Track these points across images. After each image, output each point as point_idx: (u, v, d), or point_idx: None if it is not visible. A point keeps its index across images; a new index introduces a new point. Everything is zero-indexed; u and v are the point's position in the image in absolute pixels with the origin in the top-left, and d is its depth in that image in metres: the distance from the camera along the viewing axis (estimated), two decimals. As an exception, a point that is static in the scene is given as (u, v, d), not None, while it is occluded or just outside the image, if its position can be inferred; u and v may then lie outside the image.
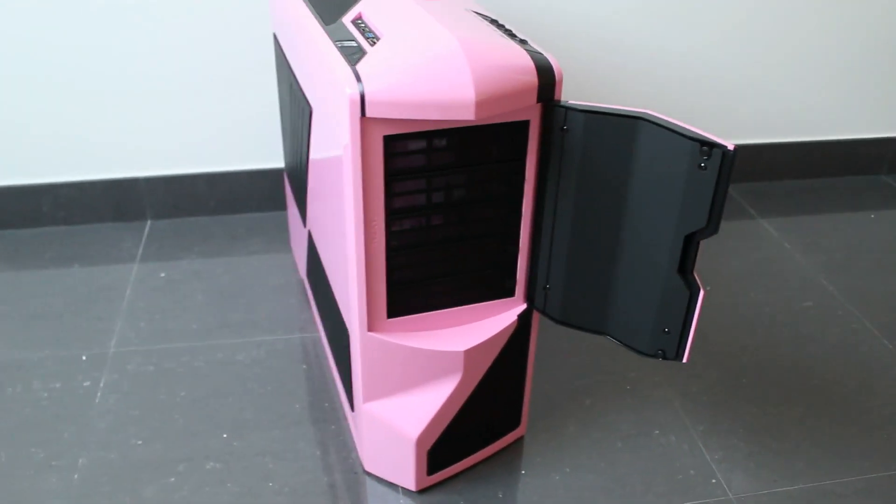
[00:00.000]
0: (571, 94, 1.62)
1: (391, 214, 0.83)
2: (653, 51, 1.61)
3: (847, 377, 1.23)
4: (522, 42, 0.84)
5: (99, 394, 1.17)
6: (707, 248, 1.54)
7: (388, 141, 0.79)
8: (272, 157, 1.59)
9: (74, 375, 1.20)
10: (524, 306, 0.96)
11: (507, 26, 0.89)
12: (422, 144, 0.80)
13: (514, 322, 0.95)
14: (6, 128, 1.48)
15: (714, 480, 1.04)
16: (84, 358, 1.24)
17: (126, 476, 1.03)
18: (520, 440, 1.10)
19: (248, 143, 1.57)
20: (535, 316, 0.98)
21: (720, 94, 1.69)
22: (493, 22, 0.90)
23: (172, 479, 1.03)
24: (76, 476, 1.03)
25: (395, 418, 0.95)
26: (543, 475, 1.04)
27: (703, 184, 0.76)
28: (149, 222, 1.60)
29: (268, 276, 1.44)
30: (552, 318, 0.94)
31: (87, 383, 1.19)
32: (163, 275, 1.44)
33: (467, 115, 0.76)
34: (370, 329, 0.90)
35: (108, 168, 1.55)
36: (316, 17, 0.94)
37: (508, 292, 0.94)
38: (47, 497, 1.00)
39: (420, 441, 0.96)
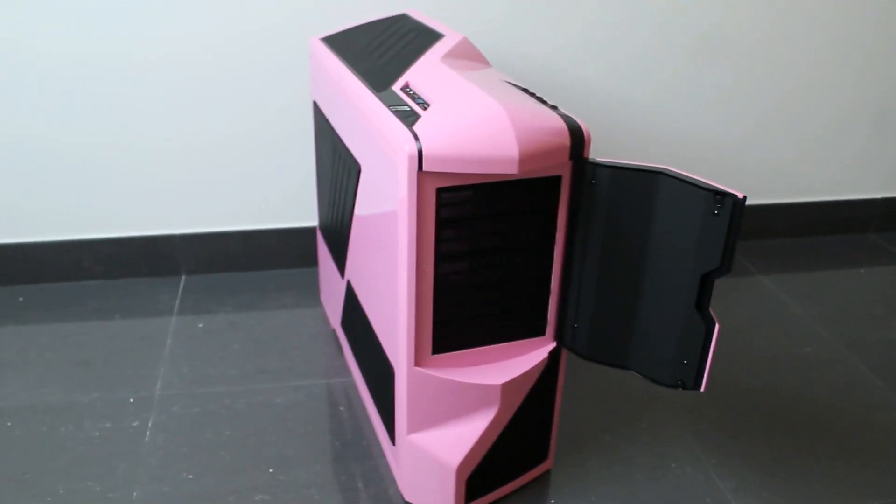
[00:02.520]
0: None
1: (439, 259, 0.94)
2: (655, 120, 1.75)
3: (847, 414, 1.32)
4: (553, 107, 0.96)
5: (148, 433, 1.24)
6: (711, 301, 1.64)
7: (440, 192, 0.89)
8: (302, 217, 1.70)
9: (123, 416, 1.28)
10: (554, 344, 1.05)
11: (538, 94, 1.01)
12: (468, 196, 0.91)
13: (545, 359, 1.04)
14: (49, 187, 1.58)
15: (729, 508, 1.12)
16: (131, 400, 1.31)
17: (180, 507, 1.10)
18: (546, 473, 1.17)
19: (280, 204, 1.67)
20: (564, 354, 1.07)
21: (719, 160, 1.82)
22: (525, 90, 1.02)
23: (224, 510, 1.10)
24: (132, 508, 1.10)
25: (436, 448, 1.04)
26: (571, 504, 1.12)
27: (717, 228, 0.87)
28: (183, 277, 1.69)
29: (300, 327, 1.53)
30: (580, 355, 1.04)
31: (135, 423, 1.26)
32: (200, 325, 1.53)
33: (511, 170, 0.88)
34: (417, 364, 0.99)
35: (145, 225, 1.65)
36: (367, 86, 1.06)
37: (540, 331, 1.04)
38: (108, 526, 1.07)
39: (460, 469, 1.04)
